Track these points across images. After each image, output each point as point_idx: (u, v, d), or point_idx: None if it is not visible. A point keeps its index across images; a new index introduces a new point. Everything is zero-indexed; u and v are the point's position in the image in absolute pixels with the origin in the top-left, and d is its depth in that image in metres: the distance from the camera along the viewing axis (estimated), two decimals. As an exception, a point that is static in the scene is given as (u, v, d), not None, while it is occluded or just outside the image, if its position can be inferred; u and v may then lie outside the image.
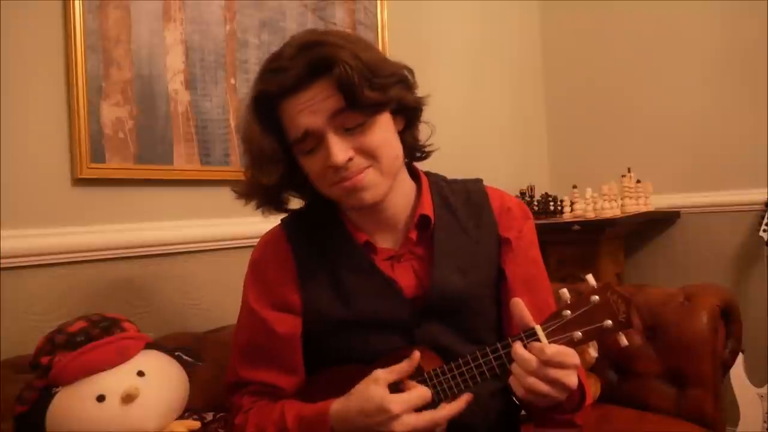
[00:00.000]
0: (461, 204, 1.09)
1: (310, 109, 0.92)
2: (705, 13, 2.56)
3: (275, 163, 0.98)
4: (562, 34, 2.99)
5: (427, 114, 1.08)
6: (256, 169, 0.99)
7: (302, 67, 0.92)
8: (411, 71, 1.03)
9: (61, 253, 1.47)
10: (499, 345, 0.88)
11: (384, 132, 0.97)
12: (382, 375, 0.90)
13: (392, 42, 2.26)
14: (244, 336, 1.07)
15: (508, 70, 2.86)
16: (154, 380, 1.21)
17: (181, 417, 1.26)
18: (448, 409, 0.89)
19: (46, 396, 1.15)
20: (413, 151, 1.09)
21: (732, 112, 2.51)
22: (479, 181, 1.15)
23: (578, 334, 0.84)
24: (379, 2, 2.22)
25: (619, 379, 1.86)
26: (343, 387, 0.92)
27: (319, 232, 1.05)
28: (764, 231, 2.26)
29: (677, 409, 1.74)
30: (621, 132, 2.80)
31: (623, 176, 2.53)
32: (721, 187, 2.54)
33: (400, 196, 1.04)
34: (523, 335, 0.85)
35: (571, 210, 2.52)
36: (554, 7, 2.99)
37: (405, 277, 1.03)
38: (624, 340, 0.85)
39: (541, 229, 2.41)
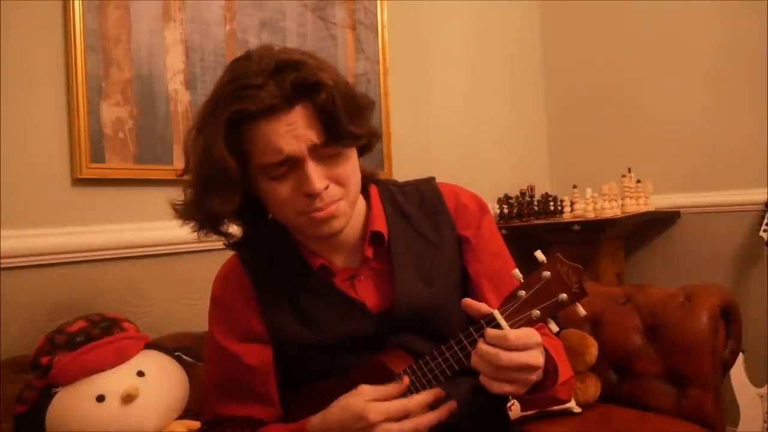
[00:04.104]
0: (416, 208, 1.06)
1: (293, 133, 0.88)
2: (705, 13, 2.56)
3: (236, 189, 0.92)
4: (562, 34, 2.98)
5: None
6: (210, 192, 0.92)
7: (284, 87, 0.87)
8: (372, 101, 0.99)
9: (61, 253, 1.47)
10: (461, 335, 0.88)
11: (353, 161, 0.96)
12: (366, 390, 0.89)
13: (392, 42, 2.26)
14: (216, 374, 1.05)
15: (508, 70, 2.86)
16: (154, 380, 1.21)
17: (180, 417, 1.26)
18: (429, 417, 0.89)
19: (46, 396, 1.15)
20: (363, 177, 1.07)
21: (732, 112, 2.51)
22: (431, 179, 1.11)
23: (536, 312, 0.84)
24: (379, 2, 2.22)
25: (619, 379, 1.86)
26: (320, 402, 0.92)
27: (274, 260, 1.03)
28: (764, 231, 2.26)
29: (677, 409, 1.74)
30: (621, 132, 2.80)
31: (623, 176, 2.52)
32: (721, 187, 2.53)
33: (353, 217, 1.02)
34: (482, 322, 0.86)
35: (571, 210, 2.52)
36: (554, 7, 2.99)
37: (368, 294, 1.01)
38: (582, 310, 0.85)
39: (541, 229, 2.47)
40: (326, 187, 0.91)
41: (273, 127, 0.88)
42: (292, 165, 0.90)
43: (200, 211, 0.96)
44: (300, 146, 0.89)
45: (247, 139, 0.90)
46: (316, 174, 0.90)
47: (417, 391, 0.91)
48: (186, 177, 0.97)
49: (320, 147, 0.90)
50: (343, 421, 0.87)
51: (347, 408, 0.88)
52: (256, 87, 0.87)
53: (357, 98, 0.94)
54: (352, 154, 0.96)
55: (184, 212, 0.98)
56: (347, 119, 0.90)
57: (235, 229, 1.04)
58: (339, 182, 0.94)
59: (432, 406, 0.91)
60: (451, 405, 0.91)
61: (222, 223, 0.99)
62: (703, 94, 2.57)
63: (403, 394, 0.92)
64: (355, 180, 0.97)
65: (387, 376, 0.93)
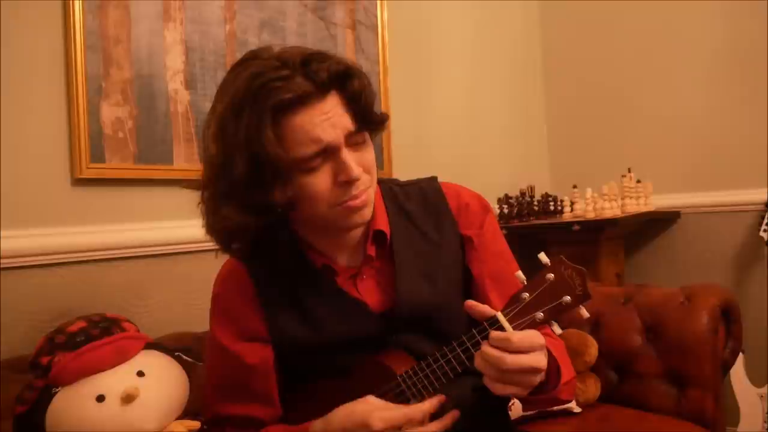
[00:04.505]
0: (418, 208, 1.07)
1: (329, 122, 0.88)
2: (705, 13, 2.56)
3: (290, 174, 0.89)
4: (562, 34, 2.98)
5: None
6: (263, 186, 0.88)
7: (318, 76, 0.88)
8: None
9: (61, 253, 1.47)
10: (464, 337, 0.88)
11: (372, 149, 0.97)
12: (373, 401, 0.90)
13: (392, 42, 2.26)
14: (216, 373, 1.05)
15: (508, 70, 2.86)
16: (154, 380, 1.21)
17: (180, 417, 1.26)
18: (432, 427, 0.89)
19: (46, 396, 1.15)
20: None
21: (732, 112, 2.51)
22: (434, 179, 1.11)
23: (540, 314, 0.84)
24: (379, 2, 2.23)
25: (619, 379, 1.86)
26: (320, 403, 0.92)
27: (276, 259, 1.01)
28: (764, 231, 2.26)
29: (677, 409, 1.74)
30: (621, 132, 2.80)
31: (623, 176, 2.52)
32: (721, 187, 2.53)
33: None
34: (486, 324, 0.86)
35: (571, 210, 2.52)
36: (554, 7, 2.99)
37: (370, 293, 1.01)
38: (585, 313, 0.85)
39: (541, 229, 2.46)
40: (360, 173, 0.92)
41: (309, 117, 0.88)
42: (327, 155, 0.90)
43: (249, 211, 0.91)
44: (337, 134, 0.89)
45: (281, 133, 0.88)
46: (353, 161, 0.91)
47: (419, 392, 0.91)
48: (207, 186, 0.94)
49: (353, 134, 0.91)
50: (345, 426, 0.88)
51: (352, 414, 0.88)
52: (285, 78, 0.87)
53: (372, 86, 0.95)
54: (371, 142, 0.97)
55: (218, 221, 0.94)
56: (373, 105, 0.92)
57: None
58: (366, 170, 0.94)
59: (435, 412, 0.91)
60: (454, 414, 0.91)
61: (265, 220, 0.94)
62: (704, 94, 2.57)
63: (405, 395, 0.92)
64: (375, 168, 0.98)
65: (388, 377, 0.93)
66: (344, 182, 0.91)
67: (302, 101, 0.88)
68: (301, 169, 0.90)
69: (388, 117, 0.99)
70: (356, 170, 0.90)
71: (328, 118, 0.89)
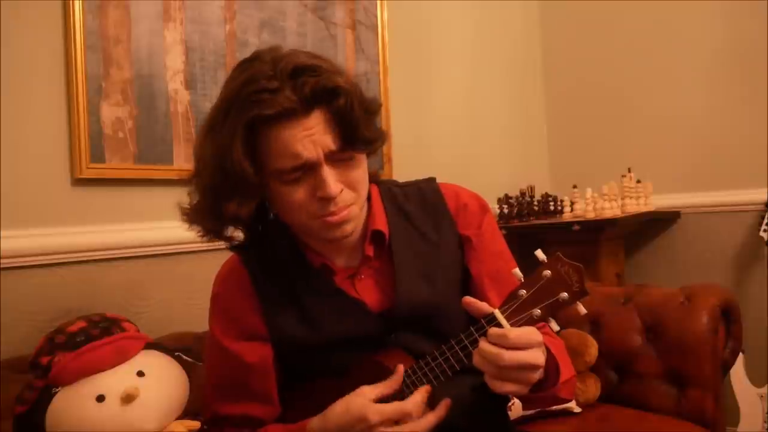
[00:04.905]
0: (417, 208, 1.07)
1: (310, 139, 0.88)
2: (705, 13, 2.56)
3: (254, 194, 0.92)
4: (562, 34, 2.98)
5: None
6: (226, 197, 0.91)
7: (303, 91, 0.87)
8: (380, 104, 1.00)
9: (61, 253, 1.47)
10: (462, 335, 0.88)
11: (364, 166, 0.97)
12: (367, 390, 0.90)
13: (392, 42, 2.26)
14: (216, 373, 1.06)
15: (508, 70, 2.86)
16: (154, 380, 1.21)
17: (180, 417, 1.26)
18: (429, 419, 0.90)
19: (46, 396, 1.15)
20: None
21: (732, 112, 2.51)
22: (432, 180, 1.11)
23: (537, 311, 0.84)
24: (379, 2, 2.23)
25: (619, 379, 1.86)
26: (318, 402, 0.93)
27: (275, 259, 1.02)
28: (764, 231, 2.26)
29: (677, 409, 1.74)
30: (621, 132, 2.80)
31: (623, 176, 2.53)
32: (721, 187, 2.54)
33: None
34: (483, 321, 0.86)
35: (571, 210, 2.52)
36: (554, 7, 2.99)
37: (369, 293, 1.02)
38: (582, 309, 0.85)
39: (541, 229, 2.47)
40: (340, 191, 0.92)
41: (291, 131, 0.88)
42: (307, 169, 0.90)
43: (213, 216, 0.95)
44: (317, 152, 0.89)
45: (262, 143, 0.89)
46: (331, 178, 0.90)
47: None
48: (193, 180, 0.97)
49: (336, 152, 0.90)
50: (343, 422, 0.88)
51: (348, 409, 0.88)
52: (273, 91, 0.86)
53: (369, 103, 0.94)
54: (363, 158, 0.96)
55: (192, 216, 0.98)
56: (363, 125, 0.91)
57: (236, 232, 1.04)
58: (351, 187, 0.94)
59: (430, 405, 0.91)
60: (447, 402, 0.91)
61: (230, 227, 0.99)
62: (704, 94, 2.57)
63: (403, 394, 0.92)
64: (366, 184, 0.97)
65: (386, 376, 0.93)
66: (321, 198, 0.91)
67: (285, 116, 0.87)
68: (281, 180, 0.91)
69: (383, 136, 0.97)
70: (333, 188, 0.90)
71: (309, 135, 0.88)
